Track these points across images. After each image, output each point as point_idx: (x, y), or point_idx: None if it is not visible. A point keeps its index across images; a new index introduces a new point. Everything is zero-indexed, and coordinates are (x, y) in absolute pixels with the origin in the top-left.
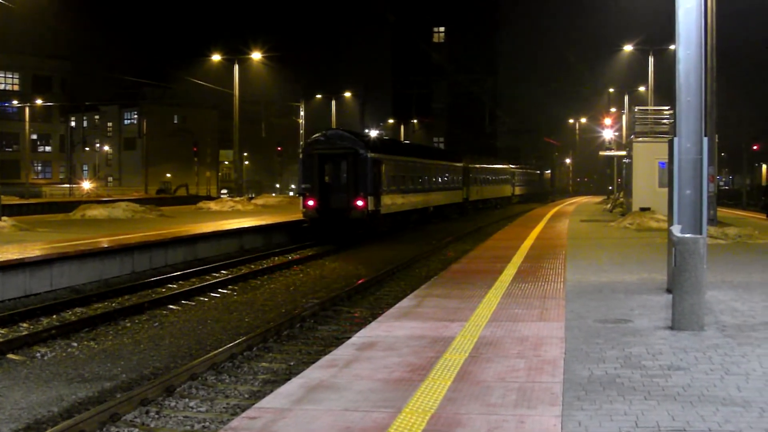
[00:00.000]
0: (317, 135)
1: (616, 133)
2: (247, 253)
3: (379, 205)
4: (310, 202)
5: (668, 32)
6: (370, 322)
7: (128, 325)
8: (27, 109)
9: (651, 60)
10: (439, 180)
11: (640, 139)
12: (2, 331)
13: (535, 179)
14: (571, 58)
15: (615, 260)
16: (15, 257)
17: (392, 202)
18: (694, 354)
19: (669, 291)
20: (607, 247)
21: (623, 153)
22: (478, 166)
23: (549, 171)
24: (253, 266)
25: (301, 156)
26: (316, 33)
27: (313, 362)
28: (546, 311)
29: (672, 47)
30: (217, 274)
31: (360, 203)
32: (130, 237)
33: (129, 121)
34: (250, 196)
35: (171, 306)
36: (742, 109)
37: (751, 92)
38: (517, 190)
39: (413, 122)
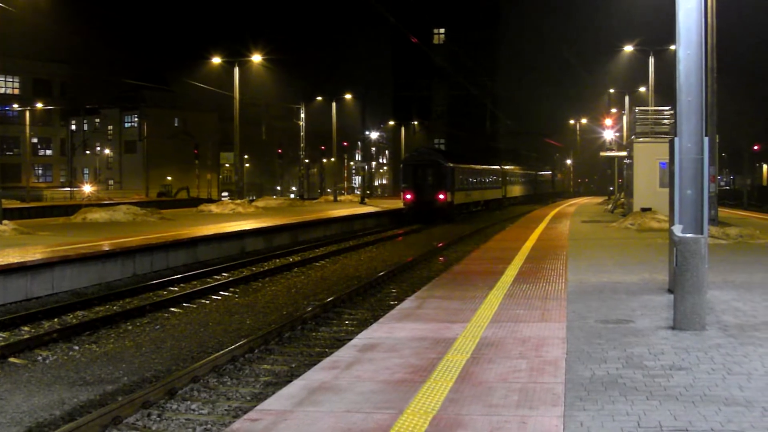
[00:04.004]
0: (412, 152)
1: (617, 134)
2: (249, 255)
3: (454, 198)
4: (408, 196)
5: (669, 32)
6: (371, 323)
7: (130, 328)
8: (27, 113)
9: (651, 60)
10: (488, 181)
11: (641, 139)
12: (4, 335)
13: (548, 180)
14: (571, 59)
15: (616, 261)
16: (16, 261)
17: (460, 196)
18: (696, 354)
19: (670, 291)
20: (608, 247)
21: (624, 153)
22: (511, 169)
23: (550, 172)
24: (254, 269)
25: (401, 166)
26: (316, 35)
27: (315, 364)
28: (547, 312)
29: (672, 47)
30: (218, 277)
31: (442, 197)
32: (131, 240)
33: (129, 124)
34: (251, 198)
35: (172, 309)
36: (743, 110)
37: (752, 93)
38: (537, 189)
39: (414, 124)
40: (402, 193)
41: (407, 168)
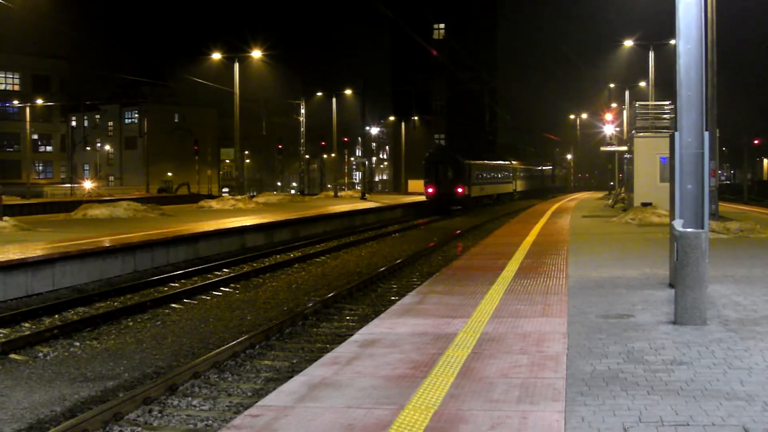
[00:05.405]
0: (433, 150)
1: (617, 129)
2: (249, 251)
3: (471, 191)
4: (430, 190)
5: (669, 27)
6: (372, 319)
7: (131, 324)
8: (27, 109)
9: (651, 55)
10: (500, 176)
11: (641, 134)
12: (4, 331)
13: (550, 175)
14: (571, 54)
15: (617, 255)
16: (17, 257)
17: (476, 190)
18: (697, 348)
19: (671, 286)
20: (609, 242)
21: (624, 148)
22: (521, 166)
23: (551, 167)
24: (255, 264)
25: (423, 163)
26: (316, 31)
27: (316, 360)
28: (548, 307)
29: (672, 42)
30: (219, 273)
31: (460, 190)
32: (131, 236)
33: (130, 120)
34: (251, 194)
35: (173, 305)
36: (744, 105)
37: (752, 87)
38: (542, 184)
39: (414, 119)
40: (424, 187)
41: (429, 165)
